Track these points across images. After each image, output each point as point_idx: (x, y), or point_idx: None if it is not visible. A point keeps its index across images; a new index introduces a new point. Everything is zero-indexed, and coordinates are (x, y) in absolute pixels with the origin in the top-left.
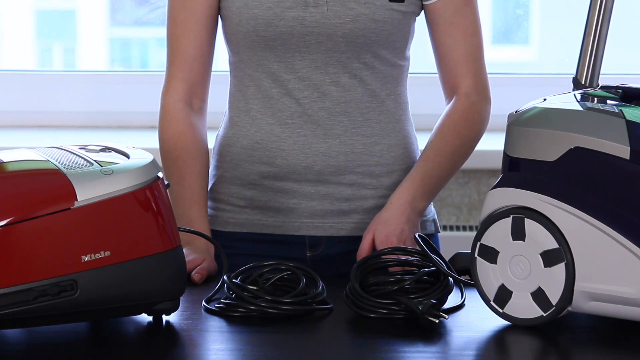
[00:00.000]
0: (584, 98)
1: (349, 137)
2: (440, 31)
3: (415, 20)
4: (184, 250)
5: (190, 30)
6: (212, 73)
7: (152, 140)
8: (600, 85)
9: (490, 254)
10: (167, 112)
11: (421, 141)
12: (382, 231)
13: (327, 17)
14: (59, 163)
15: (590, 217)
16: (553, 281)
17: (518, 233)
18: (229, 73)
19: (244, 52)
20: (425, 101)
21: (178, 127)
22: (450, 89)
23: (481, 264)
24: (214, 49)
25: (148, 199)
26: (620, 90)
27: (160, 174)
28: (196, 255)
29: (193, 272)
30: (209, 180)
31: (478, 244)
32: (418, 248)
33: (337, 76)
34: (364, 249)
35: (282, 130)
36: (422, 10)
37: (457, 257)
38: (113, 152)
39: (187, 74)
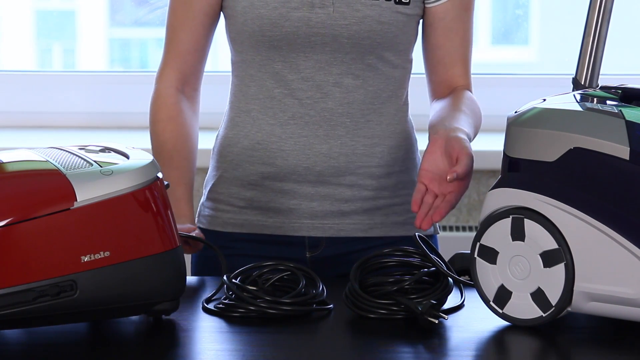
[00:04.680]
0: (584, 98)
1: (350, 139)
2: (439, 35)
3: (419, 22)
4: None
5: (186, 25)
6: (214, 73)
7: None
8: (600, 86)
9: (490, 255)
10: (159, 96)
11: (421, 142)
12: (468, 158)
13: (333, 18)
14: (58, 163)
15: (590, 217)
16: (553, 281)
17: (518, 233)
18: (230, 73)
19: (247, 51)
20: (425, 101)
21: (168, 111)
22: (446, 87)
23: (481, 264)
24: (211, 43)
25: (147, 200)
26: (620, 91)
27: (160, 175)
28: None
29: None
30: (209, 180)
31: (478, 244)
32: (416, 246)
33: (341, 77)
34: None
35: (283, 130)
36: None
37: (457, 257)
38: (112, 153)
39: (181, 64)
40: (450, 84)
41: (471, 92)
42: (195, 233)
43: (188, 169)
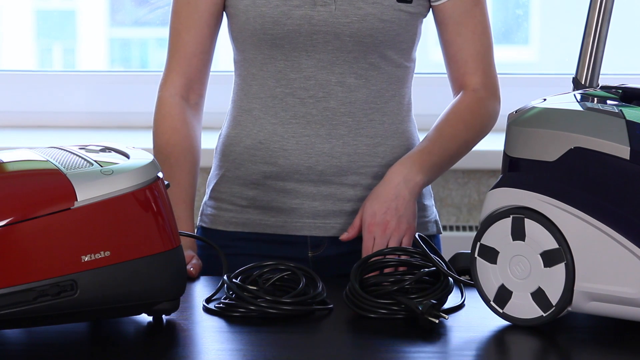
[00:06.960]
0: (584, 98)
1: (352, 138)
2: (450, 31)
3: (422, 21)
4: None
5: (191, 27)
6: (215, 73)
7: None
8: (600, 86)
9: (490, 254)
10: (163, 106)
11: None
12: (370, 207)
13: (335, 16)
14: (59, 163)
15: (590, 217)
16: (553, 281)
17: (518, 233)
18: (232, 72)
19: (249, 50)
20: (428, 101)
21: (172, 122)
22: (458, 86)
23: (481, 264)
24: (215, 46)
25: (148, 199)
26: (620, 91)
27: (160, 174)
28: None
29: (187, 267)
30: (212, 179)
31: (478, 244)
32: (414, 245)
33: (343, 76)
34: (355, 225)
35: (285, 130)
36: (430, 11)
37: (457, 257)
38: (113, 152)
39: (186, 68)
40: (462, 82)
41: (487, 89)
42: (192, 264)
43: (190, 184)
